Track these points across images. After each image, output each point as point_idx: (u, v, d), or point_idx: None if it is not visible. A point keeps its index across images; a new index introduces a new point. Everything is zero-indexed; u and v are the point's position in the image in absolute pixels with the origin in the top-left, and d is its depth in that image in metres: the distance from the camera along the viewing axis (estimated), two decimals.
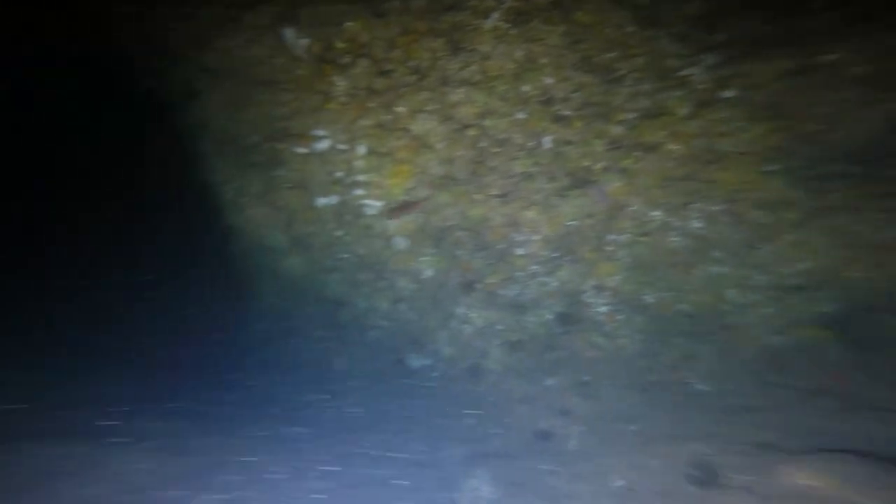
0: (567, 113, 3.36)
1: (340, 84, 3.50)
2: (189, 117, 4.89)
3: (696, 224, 3.29)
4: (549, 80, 3.33)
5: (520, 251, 3.42)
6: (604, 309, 3.43)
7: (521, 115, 3.38)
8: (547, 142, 3.40)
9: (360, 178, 3.69)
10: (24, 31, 5.73)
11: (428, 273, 3.62)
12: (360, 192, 3.76)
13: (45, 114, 6.62)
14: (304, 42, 3.44)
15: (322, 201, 4.12)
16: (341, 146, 3.70)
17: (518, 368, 3.42)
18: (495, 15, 3.28)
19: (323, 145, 3.83)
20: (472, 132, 3.34)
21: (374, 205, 3.73)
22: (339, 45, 3.40)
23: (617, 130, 3.34)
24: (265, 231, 4.70)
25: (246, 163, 4.54)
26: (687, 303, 3.35)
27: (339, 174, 3.86)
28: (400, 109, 3.36)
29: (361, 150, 3.57)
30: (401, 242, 3.71)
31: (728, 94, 3.20)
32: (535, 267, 3.41)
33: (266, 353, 5.37)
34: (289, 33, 3.46)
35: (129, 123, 6.23)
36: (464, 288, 3.50)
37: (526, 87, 3.36)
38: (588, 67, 3.31)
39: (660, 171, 3.29)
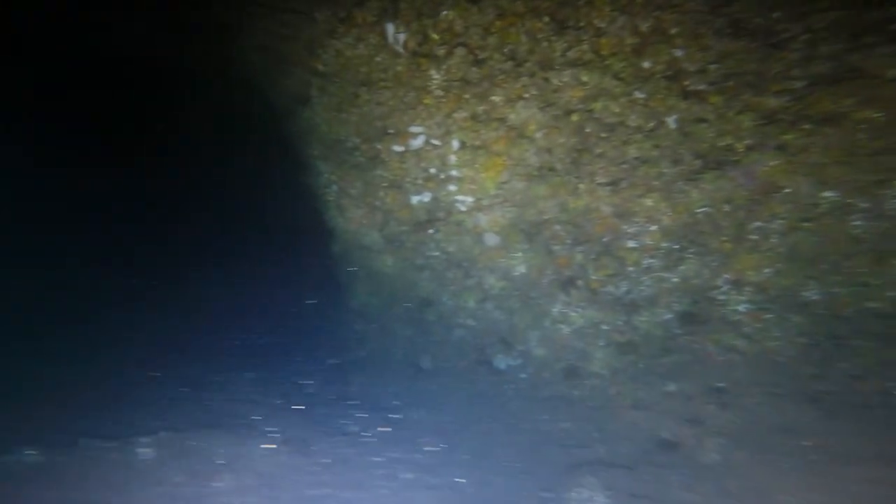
0: (701, 87, 2.98)
1: (436, 77, 3.48)
2: (299, 123, 5.18)
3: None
4: (679, 52, 2.99)
5: (631, 244, 3.08)
6: (743, 307, 2.97)
7: (639, 95, 3.04)
8: (671, 121, 3.04)
9: (453, 173, 3.62)
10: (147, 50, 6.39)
11: (520, 270, 3.44)
12: (452, 188, 3.69)
13: (166, 126, 7.40)
14: (403, 36, 3.47)
15: (416, 199, 4.11)
16: (435, 141, 3.67)
17: (629, 372, 3.08)
18: None
19: (418, 142, 3.83)
20: (576, 118, 3.10)
21: (465, 200, 3.64)
22: (434, 36, 3.38)
23: (774, 102, 2.87)
24: (363, 231, 4.81)
25: (347, 164, 4.70)
26: (878, 300, 2.80)
27: (432, 171, 3.83)
28: (495, 99, 3.24)
29: (455, 144, 3.51)
30: (491, 239, 3.57)
31: None
32: (650, 261, 3.05)
33: (360, 351, 5.48)
34: (390, 28, 3.52)
35: (243, 132, 6.78)
36: (561, 285, 3.25)
37: (647, 63, 3.04)
38: (737, 33, 2.91)
39: (840, 144, 2.79)
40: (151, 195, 7.91)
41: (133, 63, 7.07)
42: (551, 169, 3.20)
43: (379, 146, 4.25)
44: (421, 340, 4.93)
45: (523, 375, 3.61)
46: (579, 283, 3.25)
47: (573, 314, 3.27)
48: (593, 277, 3.22)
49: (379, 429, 4.10)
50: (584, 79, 3.04)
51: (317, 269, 6.18)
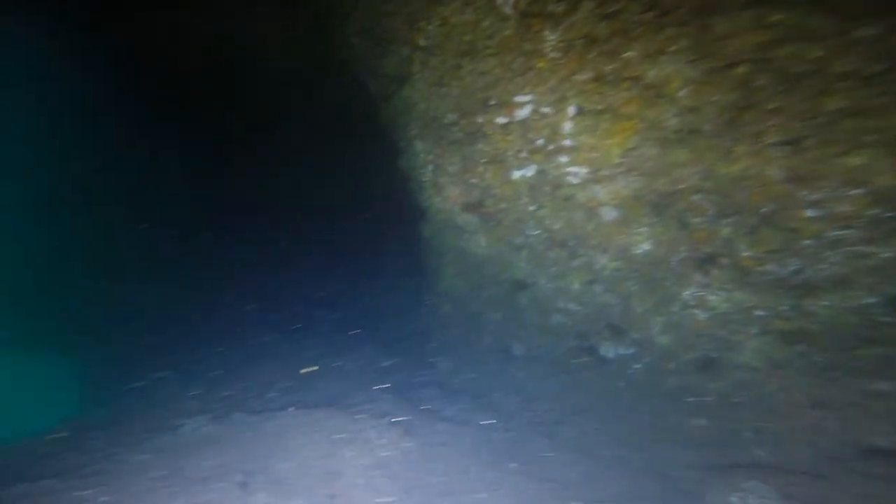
0: None
1: (551, 39, 3.16)
2: (397, 103, 5.07)
3: None
4: None
5: (810, 213, 2.53)
6: None
7: (866, 31, 2.42)
8: None
9: (566, 143, 3.29)
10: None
11: (642, 248, 3.04)
12: (563, 159, 3.36)
13: (269, 115, 7.61)
14: None
15: (518, 174, 3.82)
16: (546, 109, 3.36)
17: (798, 365, 2.57)
18: None
19: (525, 112, 3.54)
20: (742, 69, 2.60)
21: (579, 172, 3.29)
22: None
23: None
24: (458, 210, 4.60)
25: (445, 141, 4.51)
26: None
27: (539, 142, 3.52)
28: (629, 56, 2.86)
29: (571, 110, 3.18)
30: (609, 213, 3.20)
31: None
32: (841, 233, 2.48)
33: (448, 336, 5.29)
34: None
35: (342, 118, 6.83)
36: (697, 264, 2.81)
37: None
38: None
39: None
40: (253, 181, 8.26)
41: (239, 55, 7.38)
42: (695, 131, 2.74)
43: (480, 119, 4.01)
44: (512, 325, 4.65)
45: (637, 366, 3.21)
46: (723, 261, 2.78)
47: (713, 297, 2.80)
48: (745, 254, 2.73)
49: (469, 415, 3.89)
50: (775, 18, 2.48)
51: (406, 252, 6.08)
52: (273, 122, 7.73)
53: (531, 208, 3.86)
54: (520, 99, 3.56)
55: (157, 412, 3.82)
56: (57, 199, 7.09)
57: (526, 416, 3.77)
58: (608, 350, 3.49)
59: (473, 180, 4.32)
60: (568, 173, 3.37)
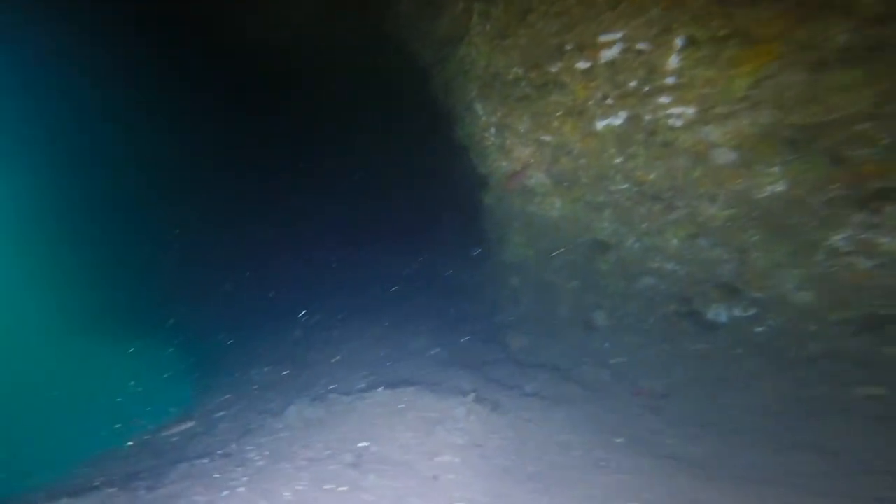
0: None
1: None
2: (453, 65, 4.69)
3: None
4: None
5: None
6: None
7: None
8: None
9: (669, 80, 2.86)
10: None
11: (770, 191, 2.61)
12: (664, 99, 2.94)
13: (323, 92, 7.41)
14: None
15: (602, 124, 3.41)
16: (642, 45, 2.93)
17: None
18: None
19: (613, 52, 3.11)
20: None
21: (684, 112, 2.87)
22: None
23: None
24: (527, 170, 4.22)
25: (511, 98, 4.11)
26: None
27: (632, 84, 3.10)
28: None
29: (678, 42, 2.74)
30: (724, 156, 2.77)
31: None
32: None
33: (519, 309, 4.97)
34: None
35: (395, 89, 6.48)
36: (856, 203, 2.37)
37: None
38: None
39: None
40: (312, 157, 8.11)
41: (293, 36, 7.13)
42: (879, 47, 2.20)
43: (554, 69, 3.60)
44: (592, 293, 4.28)
45: (760, 329, 2.81)
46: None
47: (884, 240, 2.35)
48: None
49: (555, 390, 3.57)
50: None
51: (464, 224, 5.74)
52: (321, 104, 7.51)
53: (617, 161, 3.46)
54: (607, 38, 3.13)
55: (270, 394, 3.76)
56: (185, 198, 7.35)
57: (620, 391, 3.42)
58: (718, 313, 3.09)
59: (546, 137, 3.93)
60: (669, 116, 2.95)
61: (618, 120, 3.30)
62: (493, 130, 4.39)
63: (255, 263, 7.15)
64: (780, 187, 2.55)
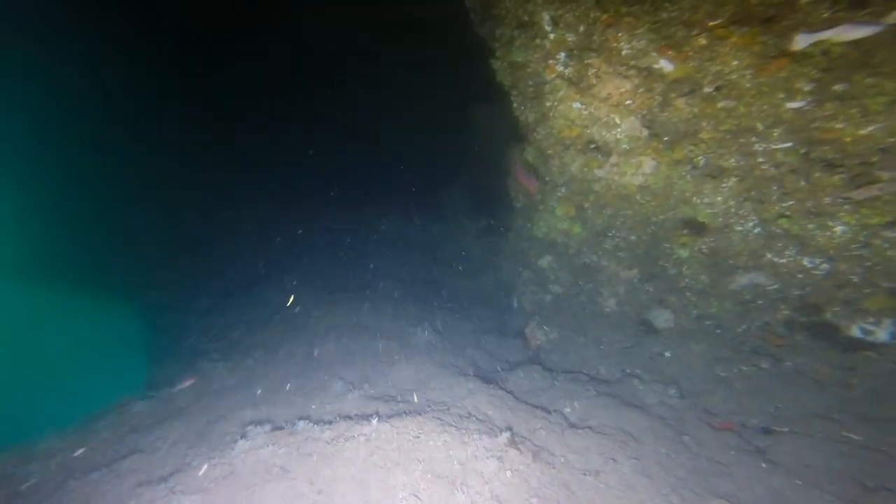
0: None
1: None
2: (498, 55, 3.54)
3: None
4: None
5: None
6: None
7: None
8: None
9: None
10: None
11: None
12: None
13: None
14: None
15: (809, 40, 2.34)
16: None
17: None
18: None
19: None
20: None
21: None
22: None
23: None
24: (602, 118, 3.13)
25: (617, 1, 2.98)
26: None
27: None
28: None
29: None
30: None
31: None
32: None
33: (546, 295, 3.90)
34: None
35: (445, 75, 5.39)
36: None
37: None
38: None
39: None
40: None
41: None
42: None
43: None
44: (656, 286, 3.28)
45: None
46: None
47: None
48: None
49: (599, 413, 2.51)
50: None
51: (487, 186, 4.61)
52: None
53: (790, 105, 2.40)
54: None
55: None
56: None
57: (695, 417, 2.41)
58: (869, 329, 2.15)
59: (663, 65, 2.83)
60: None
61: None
62: (562, 56, 3.23)
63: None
64: None
